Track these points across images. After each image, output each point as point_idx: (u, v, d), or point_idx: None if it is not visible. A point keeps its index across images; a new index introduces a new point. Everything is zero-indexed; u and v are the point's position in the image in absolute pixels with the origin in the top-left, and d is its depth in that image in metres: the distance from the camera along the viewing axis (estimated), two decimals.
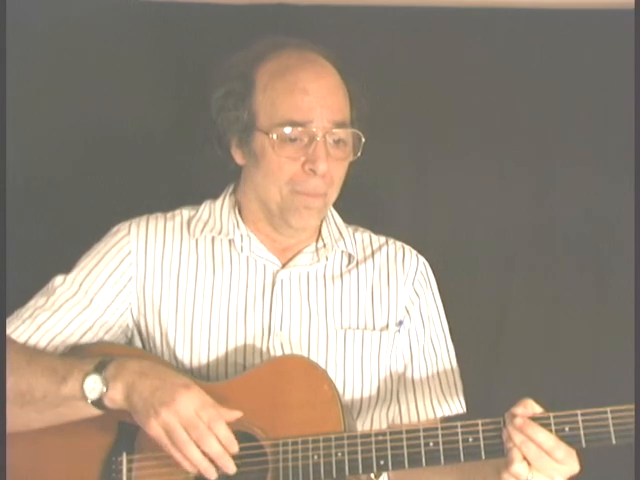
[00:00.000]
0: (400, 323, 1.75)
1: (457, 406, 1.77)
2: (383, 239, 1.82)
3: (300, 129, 1.64)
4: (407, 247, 1.82)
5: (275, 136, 1.64)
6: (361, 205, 1.95)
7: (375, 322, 1.74)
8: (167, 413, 1.48)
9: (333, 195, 1.72)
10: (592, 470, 1.54)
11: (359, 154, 1.70)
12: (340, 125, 1.66)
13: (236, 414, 1.52)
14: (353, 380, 1.69)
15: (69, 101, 2.09)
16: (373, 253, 1.79)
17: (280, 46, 1.71)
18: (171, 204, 1.79)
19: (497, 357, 2.09)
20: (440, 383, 1.76)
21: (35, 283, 1.72)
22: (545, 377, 2.04)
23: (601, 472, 1.92)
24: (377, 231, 1.83)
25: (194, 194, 1.81)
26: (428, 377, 1.76)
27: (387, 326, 1.74)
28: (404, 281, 1.77)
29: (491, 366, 2.08)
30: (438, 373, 1.76)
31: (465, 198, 2.13)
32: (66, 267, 1.72)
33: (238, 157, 1.73)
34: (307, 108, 1.64)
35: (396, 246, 1.81)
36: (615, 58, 2.09)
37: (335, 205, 1.81)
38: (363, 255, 1.79)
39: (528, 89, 2.13)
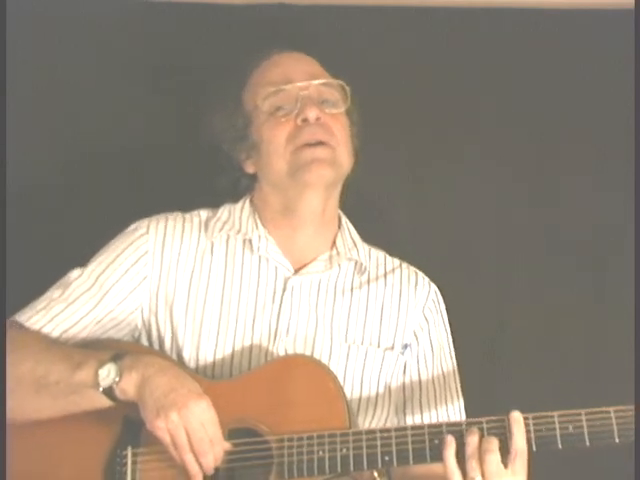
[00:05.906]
0: (406, 346, 1.75)
1: None
2: (397, 262, 1.83)
3: (282, 89, 1.69)
4: (420, 273, 1.82)
5: (262, 104, 1.70)
6: (359, 212, 1.94)
7: (380, 341, 1.73)
8: (176, 416, 1.48)
9: (341, 154, 1.71)
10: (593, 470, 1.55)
11: (349, 104, 1.75)
12: (320, 79, 1.72)
13: (228, 445, 1.53)
14: (351, 395, 1.67)
15: (74, 107, 2.08)
16: (386, 273, 1.79)
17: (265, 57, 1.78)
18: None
19: (497, 358, 2.09)
20: (447, 410, 1.75)
21: (37, 283, 1.72)
22: (545, 378, 2.04)
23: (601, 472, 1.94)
24: (376, 239, 1.83)
25: (203, 200, 1.82)
26: (436, 402, 1.75)
27: (392, 347, 1.74)
28: (415, 305, 1.77)
29: (491, 367, 2.07)
30: (445, 400, 1.76)
31: (464, 201, 2.12)
32: (72, 265, 1.72)
33: (250, 167, 1.77)
34: (285, 72, 1.72)
35: (409, 270, 1.82)
36: (615, 58, 2.09)
37: None
38: (376, 273, 1.78)
39: (528, 90, 2.13)
